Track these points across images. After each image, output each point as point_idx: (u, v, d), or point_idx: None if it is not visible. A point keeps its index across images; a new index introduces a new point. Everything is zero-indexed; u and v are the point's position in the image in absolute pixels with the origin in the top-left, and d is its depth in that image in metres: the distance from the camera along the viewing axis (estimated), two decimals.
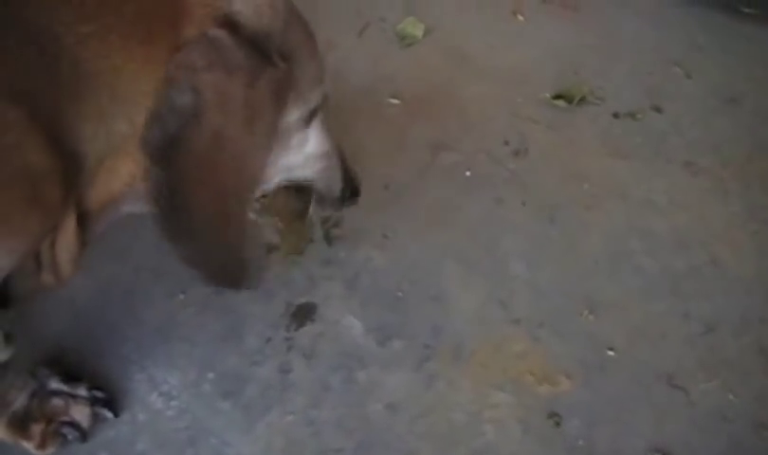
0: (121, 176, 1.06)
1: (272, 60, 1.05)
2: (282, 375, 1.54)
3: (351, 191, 1.50)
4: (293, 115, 1.19)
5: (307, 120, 1.24)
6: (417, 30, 2.13)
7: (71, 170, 0.99)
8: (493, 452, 1.45)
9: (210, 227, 1.11)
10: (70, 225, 1.07)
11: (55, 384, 1.46)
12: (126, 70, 0.98)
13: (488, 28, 2.17)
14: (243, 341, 1.58)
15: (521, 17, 2.20)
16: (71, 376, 1.47)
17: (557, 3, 2.20)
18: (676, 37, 2.16)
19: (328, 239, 1.72)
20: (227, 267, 1.22)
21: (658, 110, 1.99)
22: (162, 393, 1.51)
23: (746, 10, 2.15)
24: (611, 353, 1.58)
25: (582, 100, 1.99)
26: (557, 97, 1.99)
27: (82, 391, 1.47)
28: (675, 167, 1.88)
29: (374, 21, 2.19)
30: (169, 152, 1.00)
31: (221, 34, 1.00)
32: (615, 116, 1.98)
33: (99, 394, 1.48)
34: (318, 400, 1.51)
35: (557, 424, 1.48)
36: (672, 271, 1.70)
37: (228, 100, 1.01)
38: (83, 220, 1.09)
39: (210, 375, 1.54)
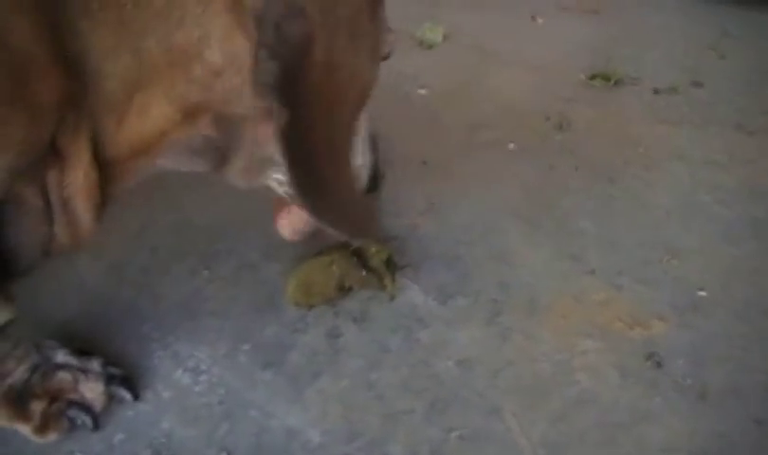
0: (155, 120, 0.92)
1: None
2: (330, 341, 1.32)
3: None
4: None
5: None
6: (436, 35, 2.06)
7: (77, 81, 0.84)
8: (591, 400, 1.22)
9: (334, 168, 1.00)
10: (87, 165, 0.91)
11: (62, 357, 1.22)
12: None
13: (509, 30, 2.11)
14: (282, 311, 1.36)
15: (540, 20, 2.15)
16: (82, 352, 1.24)
17: (576, 8, 2.16)
18: (704, 28, 2.12)
19: None
20: (352, 214, 1.11)
21: (699, 85, 1.90)
22: (189, 369, 1.27)
23: None
24: (702, 293, 1.39)
25: (619, 81, 1.89)
26: (594, 77, 1.89)
27: (95, 366, 1.22)
28: (728, 129, 1.76)
29: None
30: (288, 88, 0.87)
31: None
32: (656, 91, 1.88)
33: (114, 371, 1.23)
34: (376, 362, 1.28)
35: (659, 364, 1.26)
36: (751, 217, 1.54)
37: (332, 18, 0.89)
38: (111, 167, 0.94)
39: (246, 347, 1.31)
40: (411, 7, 2.24)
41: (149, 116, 0.92)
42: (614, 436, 1.18)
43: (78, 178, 0.90)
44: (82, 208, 0.94)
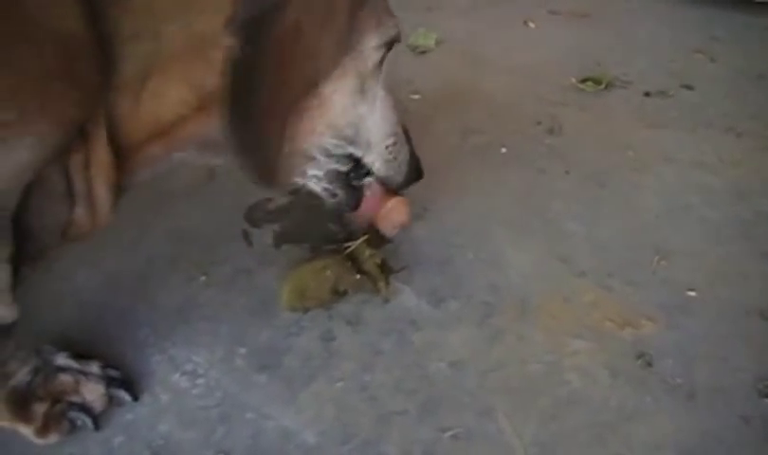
0: (172, 104, 0.98)
1: None
2: (324, 344, 1.34)
3: (415, 173, 1.38)
4: (371, 40, 1.15)
5: (381, 60, 1.19)
6: (429, 40, 2.09)
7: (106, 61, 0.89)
8: (581, 400, 1.24)
9: (267, 118, 1.04)
10: (105, 150, 0.95)
11: (62, 360, 1.24)
12: None
13: (501, 35, 2.13)
14: (276, 316, 1.38)
15: (532, 25, 2.18)
16: (81, 355, 1.26)
17: (567, 12, 2.19)
18: (693, 32, 2.14)
19: None
20: (268, 162, 1.10)
21: (689, 88, 1.93)
22: (186, 372, 1.30)
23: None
24: (691, 293, 1.41)
25: (609, 84, 1.92)
26: (585, 80, 1.92)
27: (94, 369, 1.24)
28: (717, 132, 1.78)
29: None
30: (253, 31, 0.94)
31: None
32: (647, 94, 1.91)
33: (114, 373, 1.26)
34: (369, 364, 1.30)
35: (649, 364, 1.29)
36: (739, 218, 1.56)
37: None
38: (128, 152, 0.99)
39: (242, 350, 1.33)
40: (404, 13, 2.23)
41: (166, 99, 0.97)
42: (604, 435, 1.20)
43: (100, 159, 0.95)
44: (104, 190, 0.98)
